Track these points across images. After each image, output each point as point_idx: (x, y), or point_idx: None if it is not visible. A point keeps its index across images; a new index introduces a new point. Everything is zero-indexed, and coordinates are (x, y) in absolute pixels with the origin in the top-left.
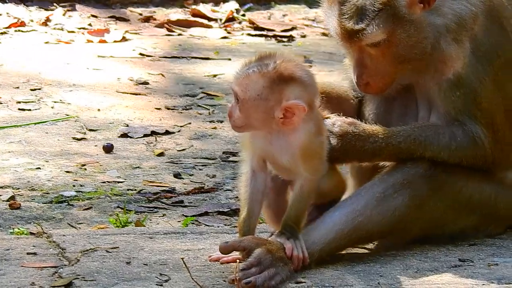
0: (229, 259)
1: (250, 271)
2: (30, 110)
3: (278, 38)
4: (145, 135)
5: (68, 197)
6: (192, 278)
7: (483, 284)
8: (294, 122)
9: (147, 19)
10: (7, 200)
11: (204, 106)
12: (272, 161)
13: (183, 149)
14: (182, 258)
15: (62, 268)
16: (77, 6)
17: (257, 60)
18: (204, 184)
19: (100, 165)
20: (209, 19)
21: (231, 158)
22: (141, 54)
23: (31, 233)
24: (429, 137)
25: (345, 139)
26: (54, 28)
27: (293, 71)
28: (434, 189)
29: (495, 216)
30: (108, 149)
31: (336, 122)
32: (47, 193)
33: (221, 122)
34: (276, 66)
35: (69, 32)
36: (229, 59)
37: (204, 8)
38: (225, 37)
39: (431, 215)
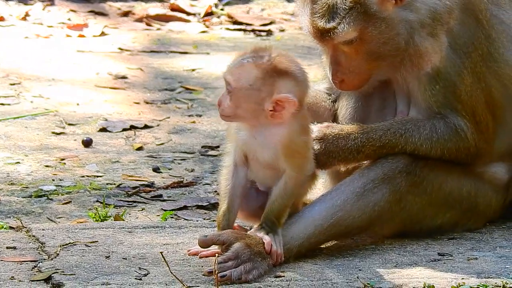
0: (208, 253)
1: (227, 265)
2: (9, 104)
3: (257, 32)
4: (124, 130)
5: (47, 191)
6: (171, 272)
7: (462, 278)
8: (283, 116)
9: (126, 14)
10: None
11: (182, 100)
12: (254, 157)
13: (162, 143)
14: (161, 252)
15: (41, 262)
16: (56, 1)
17: (252, 52)
18: (183, 178)
19: (79, 160)
20: (188, 13)
21: (210, 152)
22: (120, 48)
23: (11, 227)
24: (409, 130)
25: (326, 141)
26: (34, 23)
27: (288, 66)
28: (414, 184)
29: (475, 212)
30: (87, 143)
31: (313, 128)
32: (26, 187)
33: (200, 116)
34: (271, 58)
35: (48, 26)
36: (208, 53)
37: (183, 3)
38: (203, 32)
39: (411, 211)
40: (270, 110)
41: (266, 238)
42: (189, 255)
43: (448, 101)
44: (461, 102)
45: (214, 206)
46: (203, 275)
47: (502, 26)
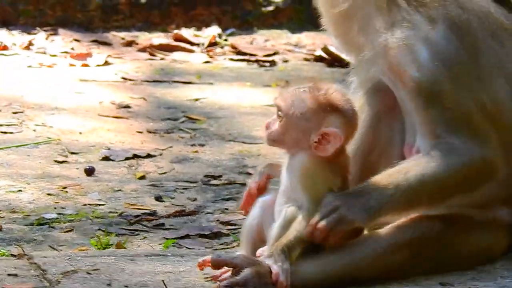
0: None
1: None
2: (12, 133)
3: (260, 62)
4: (127, 158)
5: (49, 219)
6: None
7: None
8: (327, 150)
9: (129, 43)
10: None
11: (185, 129)
12: (279, 182)
13: (165, 172)
14: (163, 280)
15: None
16: (60, 30)
17: (310, 83)
18: (185, 207)
19: (82, 188)
20: (192, 43)
21: (212, 182)
22: (123, 78)
23: (12, 255)
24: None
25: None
26: (37, 52)
27: (341, 103)
28: (437, 249)
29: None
30: (90, 172)
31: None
32: (28, 215)
33: (203, 145)
34: (326, 92)
35: (51, 56)
36: (211, 83)
37: (187, 33)
38: (207, 62)
39: (426, 269)
40: (315, 142)
41: (275, 268)
42: (198, 265)
43: (438, 113)
44: (451, 111)
45: (216, 235)
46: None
47: (494, 59)
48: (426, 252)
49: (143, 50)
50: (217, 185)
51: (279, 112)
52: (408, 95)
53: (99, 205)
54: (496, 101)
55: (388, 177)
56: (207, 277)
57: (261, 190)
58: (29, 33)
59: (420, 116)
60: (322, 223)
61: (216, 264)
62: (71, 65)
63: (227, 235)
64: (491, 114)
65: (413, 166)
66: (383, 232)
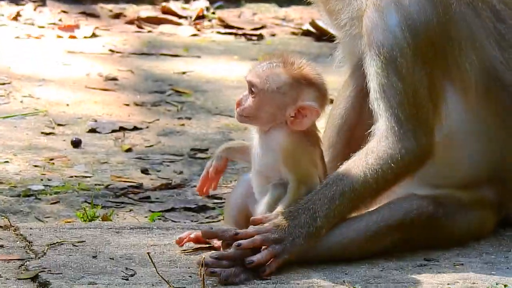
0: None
1: (221, 263)
2: None
3: (248, 36)
4: (113, 131)
5: (35, 191)
6: (158, 273)
7: (448, 284)
8: (303, 124)
9: (117, 16)
10: None
11: (172, 102)
12: (254, 161)
13: (151, 145)
14: (148, 253)
15: (28, 261)
16: (48, 1)
17: (280, 57)
18: (171, 180)
19: (68, 160)
20: (179, 16)
21: (199, 155)
22: (110, 50)
23: None
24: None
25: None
26: (25, 23)
27: (315, 76)
28: (426, 229)
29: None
30: (76, 144)
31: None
32: (14, 187)
33: (189, 119)
34: (301, 66)
35: (39, 27)
36: (199, 57)
37: (175, 6)
38: (195, 35)
39: (415, 246)
40: (291, 116)
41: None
42: (176, 242)
43: (390, 81)
44: (402, 79)
45: (201, 209)
46: (197, 264)
47: (466, 30)
48: (417, 234)
49: (130, 22)
50: (203, 158)
51: (252, 88)
52: (369, 58)
53: (86, 177)
54: (458, 74)
55: (332, 184)
56: (186, 250)
57: (219, 173)
58: (17, 4)
59: (374, 82)
60: (264, 253)
61: (207, 236)
62: (59, 36)
63: (213, 208)
64: (439, 92)
65: (352, 170)
66: (375, 215)
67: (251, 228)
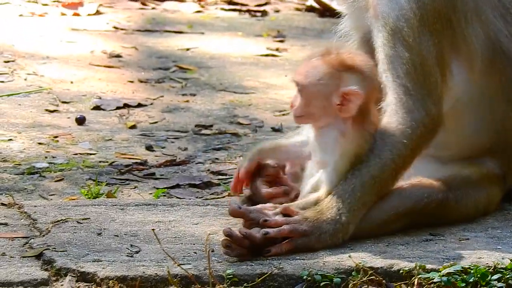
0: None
1: (243, 241)
2: (3, 82)
3: (252, 12)
4: (118, 108)
5: (40, 168)
6: (163, 250)
7: (454, 258)
8: (351, 109)
9: None
10: None
11: (176, 79)
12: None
13: (155, 122)
14: (153, 230)
15: (33, 238)
16: None
17: (320, 51)
18: (176, 156)
19: (73, 137)
20: None
21: (203, 131)
22: (114, 27)
23: (3, 204)
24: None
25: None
26: (28, 1)
27: (355, 61)
28: (436, 217)
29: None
30: (81, 121)
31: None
32: (19, 165)
33: (194, 95)
34: (338, 53)
35: (43, 5)
36: (202, 33)
37: None
38: (198, 11)
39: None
40: (338, 104)
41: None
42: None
43: (397, 51)
44: (409, 49)
45: (206, 185)
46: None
47: (472, 3)
48: (426, 219)
49: None
50: (208, 134)
51: (298, 87)
52: (376, 30)
53: (90, 154)
54: (464, 46)
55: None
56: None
57: (250, 174)
58: None
59: (381, 54)
60: (285, 245)
61: (234, 214)
62: (63, 14)
63: (218, 185)
64: (447, 63)
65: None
66: (385, 204)
67: (279, 217)
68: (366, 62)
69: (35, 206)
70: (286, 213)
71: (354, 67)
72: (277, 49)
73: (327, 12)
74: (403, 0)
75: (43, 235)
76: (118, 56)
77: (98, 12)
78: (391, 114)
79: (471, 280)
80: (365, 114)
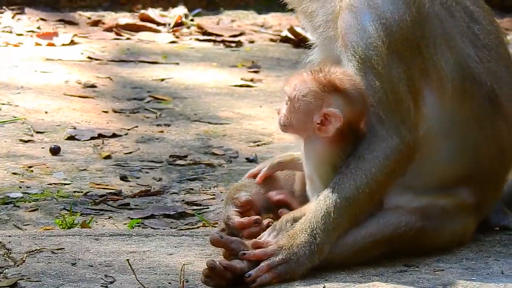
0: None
1: (225, 273)
2: None
3: (227, 43)
4: (92, 138)
5: (14, 198)
6: (138, 280)
7: None
8: (328, 131)
9: (95, 23)
10: None
11: (151, 109)
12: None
13: (130, 152)
14: (128, 260)
15: (7, 268)
16: (26, 9)
17: (315, 66)
18: (151, 187)
19: (47, 167)
20: (158, 23)
21: (178, 162)
22: (89, 57)
23: None
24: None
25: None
26: (3, 31)
27: (343, 82)
28: (412, 246)
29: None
30: (55, 151)
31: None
32: None
33: (168, 125)
34: (328, 72)
35: (17, 35)
36: (177, 64)
37: (153, 13)
38: (173, 42)
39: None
40: (318, 123)
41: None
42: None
43: (367, 80)
44: (379, 77)
45: (181, 215)
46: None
47: (440, 29)
48: (403, 247)
49: (109, 29)
50: (182, 165)
51: (285, 97)
52: (346, 59)
53: (65, 184)
54: (434, 72)
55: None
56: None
57: (265, 180)
58: None
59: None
60: (269, 274)
61: (215, 244)
62: (37, 44)
63: (192, 215)
64: (418, 89)
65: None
66: (363, 230)
67: (257, 250)
68: (355, 85)
69: (10, 236)
70: (257, 247)
71: (341, 89)
72: (251, 80)
73: (302, 43)
74: (371, 28)
75: (18, 265)
76: (93, 86)
77: (72, 42)
78: (367, 141)
79: None
80: (344, 135)
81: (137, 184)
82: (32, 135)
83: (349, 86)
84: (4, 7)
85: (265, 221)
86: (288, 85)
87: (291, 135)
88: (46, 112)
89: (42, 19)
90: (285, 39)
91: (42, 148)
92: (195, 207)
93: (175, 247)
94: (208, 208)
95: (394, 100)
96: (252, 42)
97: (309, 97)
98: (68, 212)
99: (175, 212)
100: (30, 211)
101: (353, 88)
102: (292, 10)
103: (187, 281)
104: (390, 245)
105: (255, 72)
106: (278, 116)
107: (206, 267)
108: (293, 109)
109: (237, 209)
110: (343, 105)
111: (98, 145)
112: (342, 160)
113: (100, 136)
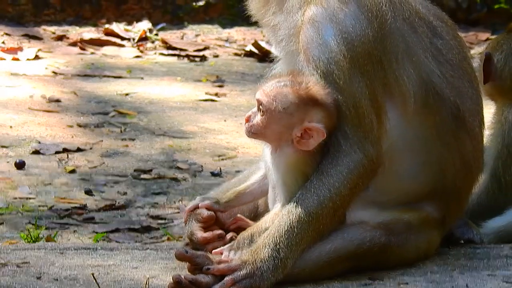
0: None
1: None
2: None
3: (191, 57)
4: (57, 152)
5: None
6: None
7: None
8: (309, 144)
9: (60, 38)
10: None
11: (116, 124)
12: (269, 175)
13: (95, 167)
14: (93, 274)
15: None
16: None
17: (289, 76)
18: (115, 201)
19: (12, 181)
20: (122, 38)
21: (143, 176)
22: (54, 72)
23: None
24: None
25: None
26: None
27: (323, 97)
28: (377, 261)
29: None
30: (20, 165)
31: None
32: None
33: (133, 140)
34: (308, 86)
35: None
36: (142, 78)
37: (117, 28)
38: (137, 56)
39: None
40: (298, 136)
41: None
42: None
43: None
44: (341, 91)
45: (145, 229)
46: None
47: (402, 45)
48: (368, 262)
49: (73, 44)
50: (147, 179)
51: (260, 107)
52: (309, 73)
53: (29, 198)
54: (397, 87)
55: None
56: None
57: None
58: None
59: None
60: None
61: (180, 258)
62: (1, 59)
63: (157, 229)
64: (381, 104)
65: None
66: (328, 245)
67: (222, 265)
68: (331, 98)
69: None
70: (222, 262)
71: (321, 103)
72: (216, 94)
73: (266, 57)
74: (333, 43)
75: None
76: (58, 100)
77: (37, 57)
78: (330, 156)
79: None
80: (317, 145)
81: (102, 198)
82: None
83: (327, 99)
84: None
85: (228, 235)
86: (264, 95)
87: (258, 143)
88: (10, 127)
89: (6, 34)
90: (249, 54)
91: (7, 162)
92: (160, 221)
93: (140, 260)
94: (172, 222)
95: (357, 114)
96: (216, 56)
97: (290, 110)
98: (33, 226)
99: (140, 226)
100: None
101: (331, 101)
102: (257, 24)
103: None
104: (355, 261)
105: (220, 86)
106: (248, 123)
107: (171, 281)
108: (271, 120)
109: (200, 224)
110: (324, 118)
111: (63, 160)
112: (312, 169)
113: (65, 150)
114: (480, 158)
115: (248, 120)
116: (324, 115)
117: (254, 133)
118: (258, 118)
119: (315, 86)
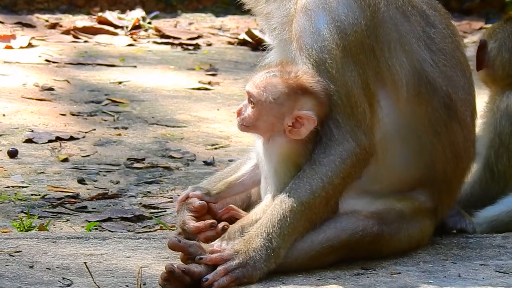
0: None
1: (184, 277)
2: None
3: (184, 46)
4: (50, 141)
5: None
6: (95, 283)
7: None
8: (301, 133)
9: (53, 26)
10: None
11: (109, 112)
12: (261, 166)
13: (88, 155)
14: (85, 263)
15: None
16: None
17: (278, 66)
18: (108, 190)
19: (5, 170)
20: (115, 26)
21: (135, 165)
22: (47, 60)
23: None
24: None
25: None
26: None
27: (312, 85)
28: (370, 250)
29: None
30: (13, 154)
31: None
32: None
33: (126, 128)
34: (297, 75)
35: None
36: (135, 67)
37: (111, 16)
38: (131, 45)
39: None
40: (289, 126)
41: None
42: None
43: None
44: (334, 80)
45: (138, 218)
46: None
47: (395, 33)
48: (360, 252)
49: (67, 32)
50: (140, 168)
51: (251, 99)
52: (301, 62)
53: (22, 187)
54: (389, 76)
55: (281, 202)
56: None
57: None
58: None
59: None
60: (226, 278)
61: (173, 248)
62: None
63: (150, 218)
64: (373, 93)
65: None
66: (320, 235)
67: (214, 255)
68: (321, 86)
69: None
70: (214, 252)
71: (311, 91)
72: (209, 83)
73: (260, 45)
74: (325, 31)
75: None
76: (50, 89)
77: (30, 45)
78: (322, 145)
79: None
80: (309, 135)
81: (95, 187)
82: None
83: (317, 87)
84: None
85: (220, 225)
86: (254, 87)
87: (250, 135)
88: (3, 115)
89: None
90: (243, 42)
91: (0, 151)
92: (152, 210)
93: (133, 250)
94: (165, 211)
95: (349, 103)
96: (210, 45)
97: (281, 100)
98: (26, 215)
99: (132, 215)
100: None
101: (321, 89)
102: (250, 12)
103: (144, 284)
104: (348, 250)
105: (213, 75)
106: (239, 116)
107: (164, 270)
108: (262, 111)
109: (192, 214)
110: (314, 106)
111: (56, 148)
112: (305, 159)
113: (58, 139)
114: (471, 148)
115: (239, 113)
116: (315, 103)
117: (246, 126)
118: (249, 111)
119: (305, 75)
